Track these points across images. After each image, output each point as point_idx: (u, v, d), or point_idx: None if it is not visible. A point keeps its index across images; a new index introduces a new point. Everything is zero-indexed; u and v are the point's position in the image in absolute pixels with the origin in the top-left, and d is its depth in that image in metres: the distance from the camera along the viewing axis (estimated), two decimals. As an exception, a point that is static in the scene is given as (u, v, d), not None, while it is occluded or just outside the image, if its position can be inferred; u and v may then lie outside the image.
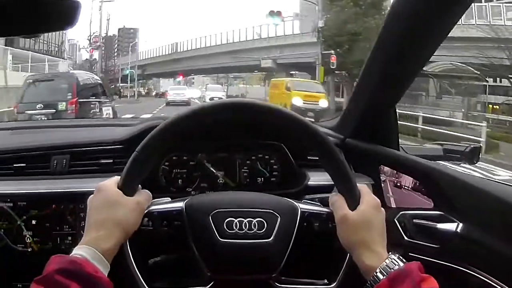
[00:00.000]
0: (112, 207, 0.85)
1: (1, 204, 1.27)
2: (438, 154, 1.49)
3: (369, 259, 0.87)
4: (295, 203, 0.99)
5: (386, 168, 1.34)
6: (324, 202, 0.99)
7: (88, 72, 15.65)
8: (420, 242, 1.19)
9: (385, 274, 0.84)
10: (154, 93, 60.45)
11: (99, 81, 12.71)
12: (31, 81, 10.92)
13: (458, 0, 1.01)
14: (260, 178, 1.44)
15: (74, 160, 1.42)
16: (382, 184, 1.34)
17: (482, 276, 1.05)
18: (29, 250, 1.28)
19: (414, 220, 1.21)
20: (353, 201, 0.90)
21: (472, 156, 1.51)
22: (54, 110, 9.81)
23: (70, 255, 0.78)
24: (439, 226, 1.15)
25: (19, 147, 1.44)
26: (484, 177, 1.22)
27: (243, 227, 0.91)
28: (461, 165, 1.55)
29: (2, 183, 1.33)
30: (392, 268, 0.84)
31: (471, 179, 1.13)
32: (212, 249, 0.91)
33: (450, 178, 1.15)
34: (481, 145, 1.61)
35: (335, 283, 0.97)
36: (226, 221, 0.91)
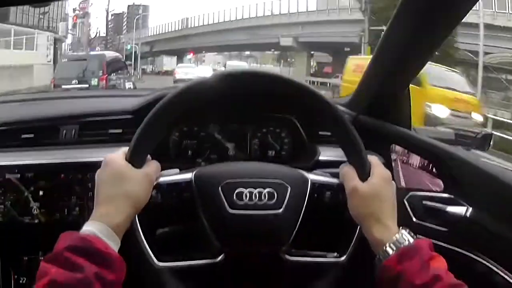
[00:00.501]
0: (120, 181, 0.83)
1: (8, 176, 1.26)
2: (450, 138, 1.48)
3: (379, 232, 0.86)
4: (305, 174, 0.99)
5: (398, 148, 1.32)
6: (335, 175, 0.97)
7: (114, 52, 17.99)
8: (428, 225, 1.18)
9: (395, 248, 0.83)
10: (156, 71, 56.01)
11: (122, 59, 15.04)
12: (66, 60, 13.68)
13: None
14: (270, 151, 1.43)
15: (83, 130, 1.40)
16: (393, 163, 1.32)
17: (487, 263, 1.05)
18: (36, 221, 1.28)
19: (423, 202, 1.20)
20: (364, 172, 0.89)
21: (483, 143, 1.50)
22: (88, 85, 11.49)
23: (80, 231, 0.77)
24: (448, 209, 1.14)
25: (27, 118, 1.43)
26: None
27: (253, 197, 0.90)
28: (472, 151, 1.53)
29: (10, 155, 1.32)
30: (402, 243, 0.83)
31: (483, 164, 1.11)
32: (222, 220, 0.90)
33: (461, 162, 1.14)
34: (493, 132, 1.60)
35: (345, 256, 0.97)
36: (236, 191, 0.90)
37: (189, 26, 51.97)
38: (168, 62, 58.54)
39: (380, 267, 0.84)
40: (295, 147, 1.43)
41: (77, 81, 11.67)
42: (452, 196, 1.14)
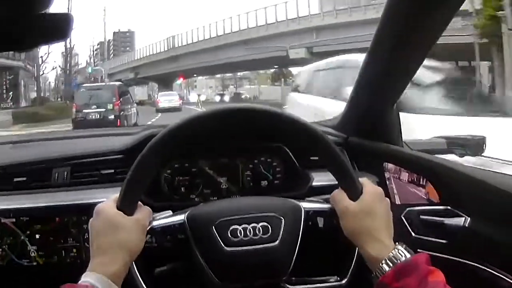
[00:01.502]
0: (113, 230, 0.84)
1: (4, 220, 1.27)
2: (442, 148, 1.49)
3: (374, 249, 0.86)
4: (297, 202, 0.99)
5: (390, 165, 1.33)
6: (328, 201, 0.98)
7: (120, 82, 21.17)
8: (428, 238, 1.18)
9: (391, 265, 0.83)
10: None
11: (127, 89, 18.25)
12: (84, 89, 16.54)
13: None
14: (263, 182, 1.43)
15: (75, 172, 1.41)
16: (387, 182, 1.33)
17: (492, 270, 1.04)
18: (34, 264, 1.28)
19: (421, 216, 1.21)
20: (355, 193, 0.90)
21: (477, 148, 1.50)
22: (104, 109, 14.47)
23: (79, 282, 0.79)
24: (447, 221, 1.14)
25: (19, 161, 1.43)
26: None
27: (248, 233, 0.91)
28: (466, 157, 1.53)
29: (3, 199, 1.33)
30: (399, 260, 0.83)
31: (477, 172, 1.12)
32: (218, 258, 0.90)
33: (455, 172, 1.15)
34: (485, 135, 1.60)
35: (346, 279, 0.97)
36: (230, 229, 0.91)
37: (177, 45, 46.28)
38: (140, 92, 56.88)
39: (377, 284, 0.84)
40: (288, 175, 1.44)
41: (95, 106, 14.54)
42: (449, 208, 1.15)
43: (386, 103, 1.37)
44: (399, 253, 0.84)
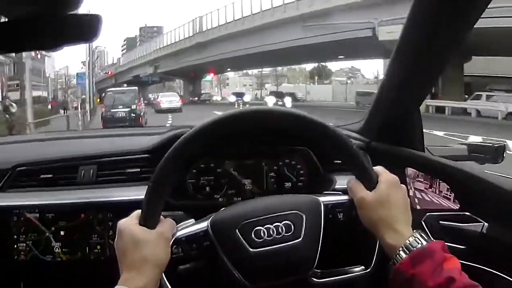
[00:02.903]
0: (137, 246, 0.85)
1: (29, 216, 1.31)
2: (463, 154, 1.49)
3: (391, 237, 0.88)
4: (316, 197, 1.01)
5: (412, 170, 1.35)
6: (346, 192, 1.01)
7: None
8: (447, 244, 1.18)
9: (408, 252, 0.84)
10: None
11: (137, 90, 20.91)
12: (111, 93, 20.21)
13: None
14: (287, 183, 1.45)
15: (101, 170, 1.44)
16: (408, 187, 1.34)
17: (510, 277, 1.05)
18: (58, 260, 1.32)
19: (440, 222, 1.22)
20: (370, 183, 0.92)
21: (496, 156, 1.50)
22: (129, 108, 17.56)
23: None
24: (466, 227, 1.15)
25: (46, 159, 1.47)
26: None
27: (271, 233, 0.92)
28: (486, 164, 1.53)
29: (29, 195, 1.37)
30: (415, 247, 0.85)
31: (497, 179, 1.13)
32: (245, 261, 0.91)
33: (476, 179, 1.16)
34: (505, 143, 1.59)
35: (370, 267, 1.00)
36: (253, 230, 0.92)
37: (205, 28, 36.12)
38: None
39: (394, 270, 0.85)
40: (311, 178, 1.45)
41: (121, 106, 17.63)
42: (469, 214, 1.16)
43: (409, 109, 1.38)
44: (416, 241, 0.86)
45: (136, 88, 21.56)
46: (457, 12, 1.04)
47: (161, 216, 0.91)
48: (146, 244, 0.85)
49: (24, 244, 1.31)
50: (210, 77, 44.60)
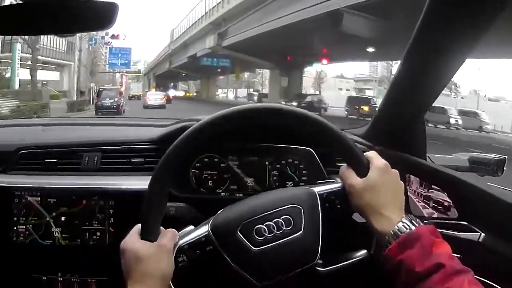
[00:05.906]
0: (140, 263, 0.86)
1: (30, 199, 1.31)
2: (464, 165, 1.50)
3: (379, 223, 0.89)
4: (310, 188, 1.02)
5: (413, 177, 1.36)
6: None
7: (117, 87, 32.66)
8: None
9: (396, 238, 0.85)
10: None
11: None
12: (101, 89, 26.67)
13: (486, 10, 1.01)
14: (289, 183, 1.45)
15: (105, 158, 1.45)
16: (409, 193, 1.35)
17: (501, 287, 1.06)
18: (57, 244, 1.32)
19: (437, 230, 1.22)
20: (362, 169, 0.94)
21: (496, 168, 1.51)
22: (113, 100, 23.63)
23: None
24: (463, 237, 1.16)
25: (50, 143, 1.47)
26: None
27: (272, 229, 0.93)
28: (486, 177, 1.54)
29: (32, 177, 1.37)
30: (403, 232, 0.85)
31: (497, 191, 1.15)
32: (250, 260, 0.92)
33: (475, 189, 1.17)
34: (506, 157, 1.60)
35: (372, 251, 1.01)
36: (254, 229, 0.93)
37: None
38: (135, 87, 55.97)
39: (383, 256, 0.87)
40: (313, 178, 1.44)
41: (108, 98, 23.82)
42: (466, 223, 1.17)
43: (414, 116, 1.39)
44: (404, 226, 0.86)
45: (118, 87, 27.21)
46: (467, 22, 1.05)
47: (162, 228, 0.93)
48: (148, 259, 0.86)
49: (24, 227, 1.32)
50: (319, 65, 27.86)
